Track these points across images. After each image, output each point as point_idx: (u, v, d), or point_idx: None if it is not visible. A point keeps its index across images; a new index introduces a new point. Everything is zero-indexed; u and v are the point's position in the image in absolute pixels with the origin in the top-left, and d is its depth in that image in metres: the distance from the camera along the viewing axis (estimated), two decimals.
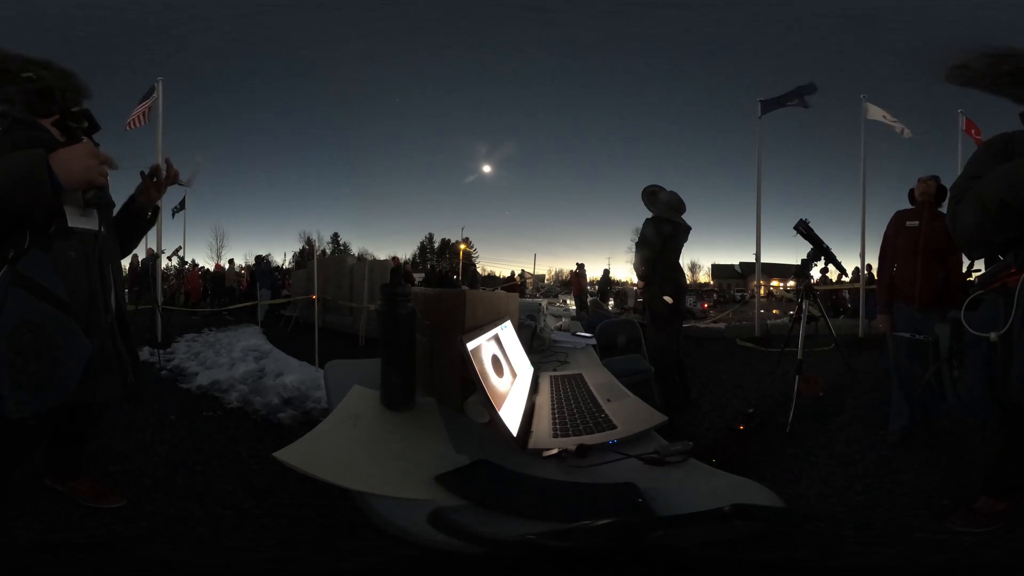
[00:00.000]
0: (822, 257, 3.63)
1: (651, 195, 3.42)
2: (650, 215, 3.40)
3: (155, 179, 1.65)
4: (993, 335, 1.29)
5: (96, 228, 1.59)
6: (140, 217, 1.73)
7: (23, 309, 1.30)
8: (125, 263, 1.90)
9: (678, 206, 3.42)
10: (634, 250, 3.56)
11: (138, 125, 6.72)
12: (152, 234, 8.26)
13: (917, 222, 2.82)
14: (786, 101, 8.08)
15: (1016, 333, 1.27)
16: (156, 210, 1.77)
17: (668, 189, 3.45)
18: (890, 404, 2.86)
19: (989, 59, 1.33)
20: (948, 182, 2.94)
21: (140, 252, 10.63)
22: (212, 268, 16.09)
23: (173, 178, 1.67)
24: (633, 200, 3.46)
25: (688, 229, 3.48)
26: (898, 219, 2.91)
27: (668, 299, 3.26)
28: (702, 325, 9.09)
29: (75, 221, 1.45)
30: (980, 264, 1.52)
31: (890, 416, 2.84)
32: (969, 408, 1.42)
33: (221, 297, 12.64)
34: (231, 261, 15.38)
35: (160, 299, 6.90)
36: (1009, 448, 1.85)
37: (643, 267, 3.36)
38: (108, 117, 1.54)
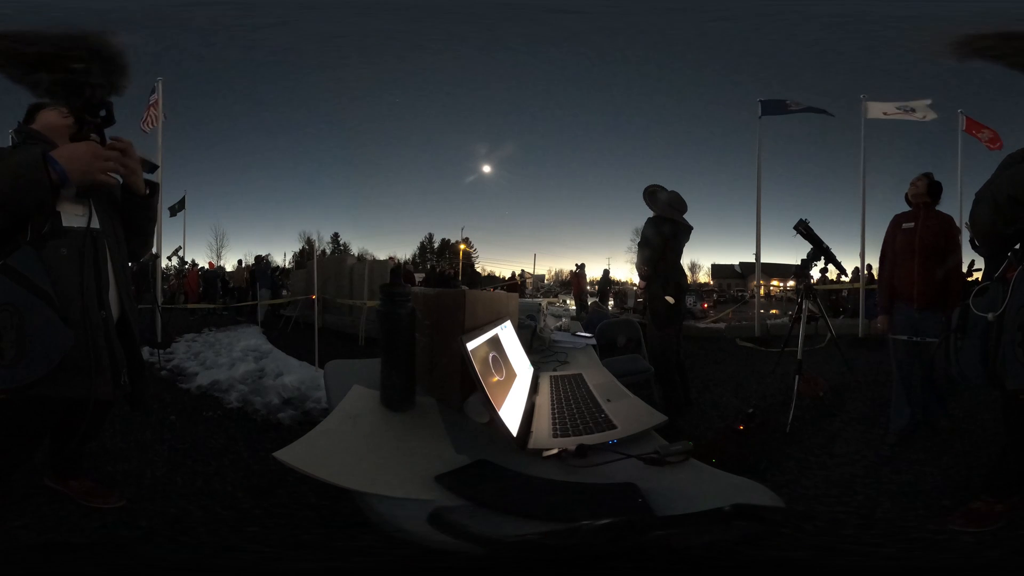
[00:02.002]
0: (822, 257, 3.63)
1: (652, 195, 3.41)
2: (651, 215, 3.40)
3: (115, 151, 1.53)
4: (991, 315, 1.55)
5: (95, 226, 1.59)
6: (132, 202, 1.67)
7: (3, 293, 1.33)
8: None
9: (679, 205, 3.41)
10: (635, 250, 3.57)
11: (153, 125, 6.68)
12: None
13: (913, 223, 2.83)
14: (790, 108, 7.96)
15: (1005, 318, 1.52)
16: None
17: (668, 189, 3.45)
18: (890, 404, 2.86)
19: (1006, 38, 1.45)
20: (947, 181, 2.95)
21: None
22: (208, 267, 15.95)
23: (123, 150, 1.53)
24: (633, 200, 3.48)
25: (689, 228, 3.47)
26: (896, 222, 2.94)
27: (670, 299, 3.26)
28: (702, 325, 9.08)
29: (70, 220, 1.46)
30: (979, 264, 1.75)
31: (890, 416, 2.84)
32: (966, 376, 1.68)
33: (225, 297, 12.64)
34: (239, 261, 15.21)
35: (160, 299, 6.90)
36: (1010, 448, 1.85)
37: (644, 267, 3.36)
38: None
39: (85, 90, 1.35)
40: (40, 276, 1.38)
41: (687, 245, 3.54)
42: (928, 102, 7.61)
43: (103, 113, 1.44)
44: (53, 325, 1.37)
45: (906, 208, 2.98)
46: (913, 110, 7.66)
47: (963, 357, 1.67)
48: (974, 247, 1.74)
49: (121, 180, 1.58)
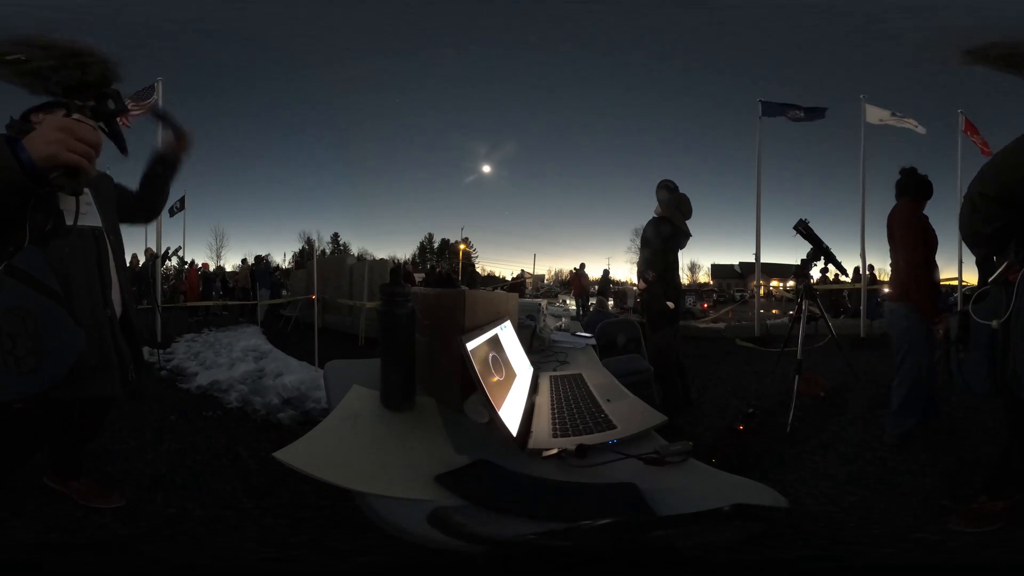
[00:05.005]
0: (822, 257, 3.64)
1: (663, 189, 3.44)
2: (652, 216, 3.43)
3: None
4: (995, 323, 1.45)
5: (97, 225, 1.60)
6: (167, 165, 1.84)
7: (13, 296, 1.28)
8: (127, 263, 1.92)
9: (681, 206, 3.43)
10: (636, 251, 3.62)
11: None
12: (152, 235, 8.25)
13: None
14: (789, 111, 8.08)
15: (1014, 323, 1.41)
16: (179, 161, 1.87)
17: (680, 190, 3.47)
18: (890, 404, 2.83)
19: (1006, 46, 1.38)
20: (947, 181, 2.93)
21: (139, 253, 10.66)
22: (209, 267, 15.92)
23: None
24: (633, 200, 3.51)
25: (688, 235, 3.49)
26: (917, 211, 2.77)
27: (670, 304, 3.29)
28: (702, 325, 9.09)
29: (73, 219, 1.45)
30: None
31: (889, 416, 2.81)
32: (971, 388, 1.57)
33: (225, 297, 12.66)
34: (243, 260, 15.12)
35: (160, 299, 6.90)
36: (1011, 448, 1.85)
37: (650, 271, 3.37)
38: None
39: (48, 76, 1.28)
40: (47, 276, 1.34)
41: (682, 249, 3.56)
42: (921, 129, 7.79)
43: (112, 105, 1.37)
44: (66, 326, 1.35)
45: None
46: (903, 117, 7.81)
47: (967, 369, 1.57)
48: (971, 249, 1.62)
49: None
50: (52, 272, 1.36)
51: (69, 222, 1.44)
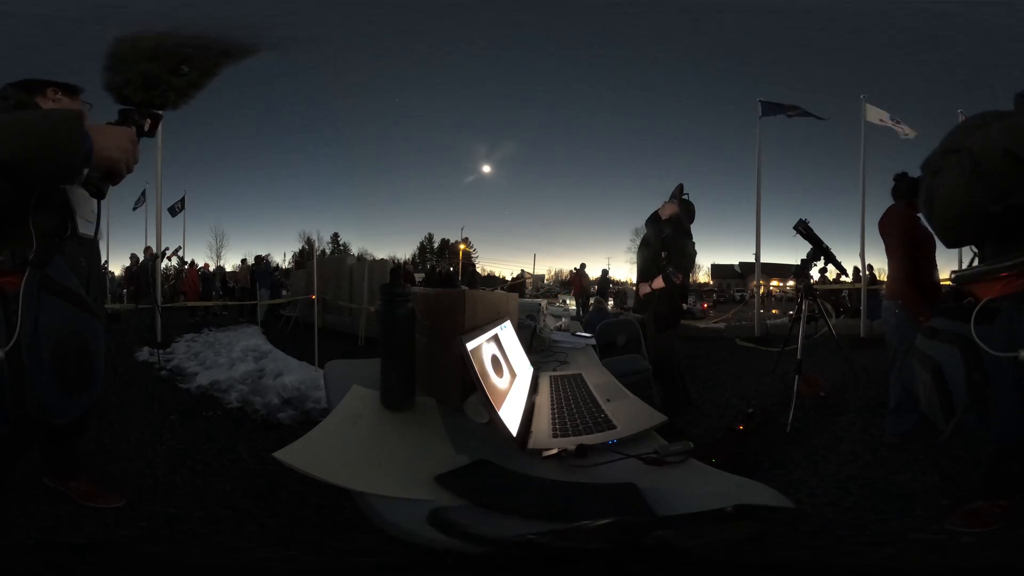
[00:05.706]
0: (822, 257, 3.64)
1: (677, 191, 3.48)
2: (662, 216, 3.47)
3: None
4: None
5: (94, 235, 1.62)
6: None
7: (68, 319, 1.23)
8: (124, 263, 1.95)
9: (686, 208, 3.45)
10: (635, 250, 3.64)
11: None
12: (152, 234, 8.26)
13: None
14: (788, 111, 8.13)
15: None
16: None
17: (686, 198, 3.51)
18: (889, 404, 2.83)
19: None
20: None
21: (139, 252, 10.67)
22: (209, 267, 15.95)
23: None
24: (633, 200, 3.53)
25: (690, 239, 3.51)
26: (909, 213, 2.79)
27: (685, 305, 3.30)
28: (702, 325, 9.09)
29: (83, 227, 1.49)
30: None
31: (889, 416, 2.81)
32: (1010, 437, 1.08)
33: (224, 297, 12.67)
34: (243, 260, 15.12)
35: (160, 299, 6.90)
36: (1007, 448, 1.84)
37: (680, 274, 3.37)
38: (104, 114, 1.49)
39: (158, 95, 1.29)
40: (82, 290, 1.32)
41: None
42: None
43: (147, 128, 1.35)
44: (102, 341, 1.33)
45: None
46: (898, 121, 7.87)
47: (995, 426, 1.01)
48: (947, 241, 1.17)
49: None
50: (80, 283, 1.34)
51: (87, 231, 1.48)
